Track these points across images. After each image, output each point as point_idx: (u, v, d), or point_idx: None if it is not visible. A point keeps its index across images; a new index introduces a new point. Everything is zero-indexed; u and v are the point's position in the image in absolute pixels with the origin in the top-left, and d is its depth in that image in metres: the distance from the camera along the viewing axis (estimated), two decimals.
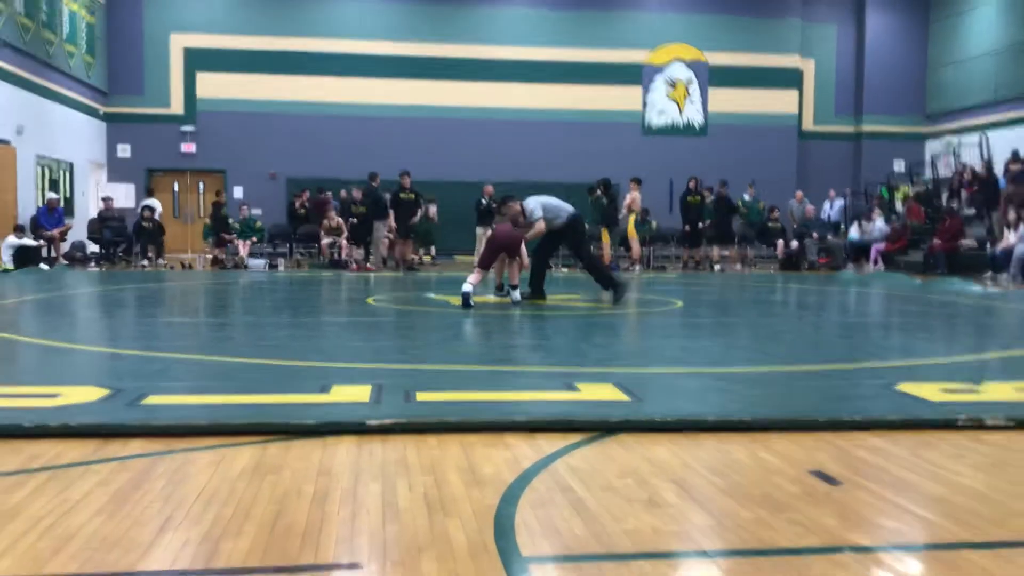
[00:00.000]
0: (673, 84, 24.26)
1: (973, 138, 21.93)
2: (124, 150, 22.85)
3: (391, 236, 18.04)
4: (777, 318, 10.32)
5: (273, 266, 19.02)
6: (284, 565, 2.57)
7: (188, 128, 22.76)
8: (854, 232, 20.28)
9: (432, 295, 11.89)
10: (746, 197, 20.33)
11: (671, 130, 24.30)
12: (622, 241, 18.79)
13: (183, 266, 18.69)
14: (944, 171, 22.21)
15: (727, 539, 2.82)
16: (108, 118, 22.61)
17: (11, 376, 5.77)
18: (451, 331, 8.07)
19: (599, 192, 17.85)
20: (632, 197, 18.49)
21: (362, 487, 3.30)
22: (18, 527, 2.84)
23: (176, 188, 23.39)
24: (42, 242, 17.32)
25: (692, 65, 24.31)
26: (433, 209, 19.95)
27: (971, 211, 19.62)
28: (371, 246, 18.16)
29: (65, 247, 18.39)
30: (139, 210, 19.41)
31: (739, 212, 19.84)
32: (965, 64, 23.39)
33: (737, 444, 3.96)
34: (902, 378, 5.42)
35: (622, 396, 4.77)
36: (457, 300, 9.78)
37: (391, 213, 17.71)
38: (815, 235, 19.73)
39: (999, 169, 19.37)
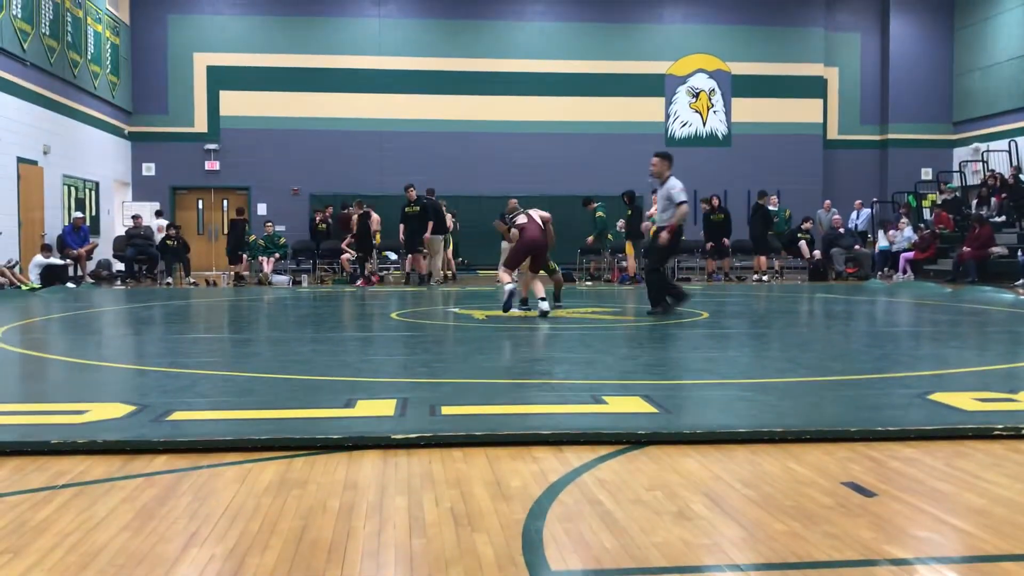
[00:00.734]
0: (696, 95, 24.18)
1: (1002, 144, 21.70)
2: (149, 168, 23.06)
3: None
4: (805, 328, 10.22)
5: (296, 282, 19.07)
6: None
7: (212, 146, 22.94)
8: (883, 241, 20.10)
9: (456, 309, 11.88)
10: (771, 207, 20.18)
11: (694, 140, 24.20)
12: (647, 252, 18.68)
13: (207, 283, 18.78)
14: (972, 178, 21.99)
15: (760, 552, 2.76)
16: (133, 137, 22.84)
17: (39, 393, 5.84)
18: (475, 345, 8.05)
19: (624, 202, 17.81)
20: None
21: (388, 501, 3.27)
22: (45, 543, 2.84)
23: (200, 206, 23.58)
24: (68, 261, 17.48)
25: (715, 75, 24.23)
26: (449, 218, 19.93)
27: (1000, 218, 19.41)
28: (426, 259, 18.12)
29: (91, 265, 18.55)
30: (156, 229, 19.63)
31: (773, 222, 19.69)
32: (991, 70, 23.15)
33: (768, 456, 3.90)
34: (935, 387, 5.34)
35: (650, 408, 4.72)
36: (481, 314, 9.75)
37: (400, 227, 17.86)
38: (843, 245, 19.56)
39: None
